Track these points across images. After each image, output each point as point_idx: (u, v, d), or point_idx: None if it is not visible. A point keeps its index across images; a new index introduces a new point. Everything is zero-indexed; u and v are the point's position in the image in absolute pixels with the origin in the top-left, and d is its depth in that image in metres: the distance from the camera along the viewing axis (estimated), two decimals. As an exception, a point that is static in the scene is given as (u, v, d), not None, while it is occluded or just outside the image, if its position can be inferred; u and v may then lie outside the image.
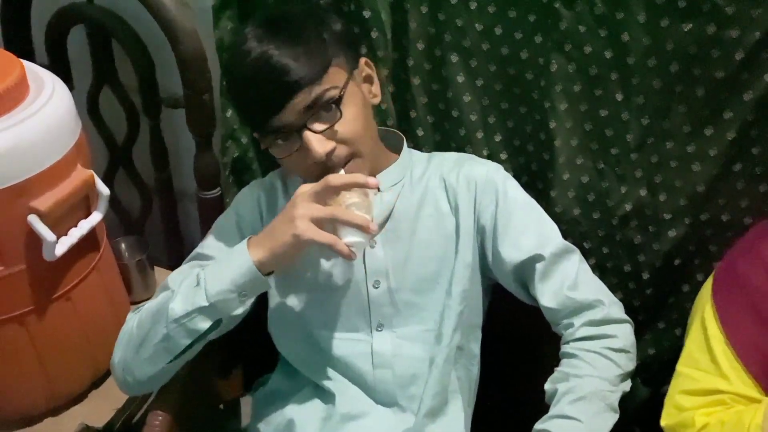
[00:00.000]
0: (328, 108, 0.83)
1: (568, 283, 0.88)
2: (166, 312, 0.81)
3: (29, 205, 0.88)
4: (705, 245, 1.02)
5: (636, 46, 0.91)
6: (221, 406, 1.15)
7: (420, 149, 1.06)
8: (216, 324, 0.82)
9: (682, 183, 0.98)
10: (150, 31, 1.19)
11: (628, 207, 1.03)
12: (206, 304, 0.80)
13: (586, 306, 0.87)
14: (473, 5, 0.96)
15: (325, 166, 0.84)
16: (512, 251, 0.90)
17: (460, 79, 1.02)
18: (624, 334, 0.87)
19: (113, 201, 1.45)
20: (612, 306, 0.89)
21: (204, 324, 0.81)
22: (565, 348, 0.87)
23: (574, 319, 0.87)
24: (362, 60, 0.91)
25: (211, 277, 0.81)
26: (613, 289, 1.08)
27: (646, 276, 1.07)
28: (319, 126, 0.83)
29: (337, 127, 0.83)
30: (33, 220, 0.88)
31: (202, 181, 1.23)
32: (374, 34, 1.01)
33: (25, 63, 0.94)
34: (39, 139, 0.88)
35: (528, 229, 0.92)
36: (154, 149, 1.33)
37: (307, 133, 0.82)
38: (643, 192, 1.01)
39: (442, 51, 1.01)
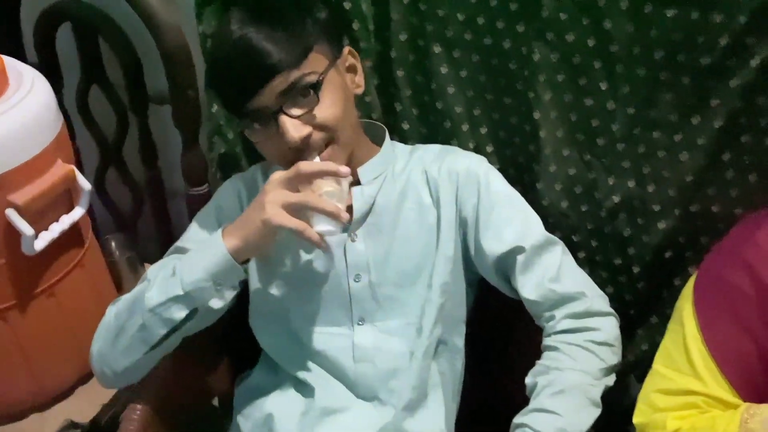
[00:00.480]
0: (306, 93, 0.82)
1: (550, 275, 0.87)
2: (142, 301, 0.81)
3: (6, 199, 0.88)
4: (696, 237, 1.00)
5: (619, 33, 0.89)
6: (215, 401, 1.14)
7: (406, 142, 1.05)
8: (192, 314, 0.82)
9: (670, 173, 0.96)
10: (135, 28, 1.20)
11: (616, 199, 1.01)
12: (181, 293, 0.80)
13: (568, 298, 0.86)
14: (455, -6, 0.95)
15: (301, 152, 0.83)
16: (494, 243, 0.89)
17: (444, 70, 1.01)
18: (607, 326, 0.85)
19: (105, 198, 1.45)
20: (595, 298, 0.87)
21: (180, 313, 0.81)
22: (546, 341, 0.85)
23: (556, 312, 0.85)
24: (346, 49, 0.90)
25: (187, 267, 0.81)
26: (603, 283, 1.07)
27: (636, 269, 1.05)
28: (295, 111, 0.83)
29: (314, 112, 0.83)
30: (10, 213, 0.88)
31: (190, 178, 1.23)
32: (356, 26, 1.00)
33: (6, 59, 0.95)
34: (17, 133, 0.88)
35: (510, 222, 0.90)
36: (143, 146, 1.33)
37: (283, 117, 0.82)
38: (631, 183, 0.99)
39: (425, 42, 1.00)
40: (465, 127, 1.05)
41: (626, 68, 0.91)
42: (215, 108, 1.11)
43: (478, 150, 1.05)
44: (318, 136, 0.84)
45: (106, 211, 1.47)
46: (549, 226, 0.95)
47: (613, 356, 0.84)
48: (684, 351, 0.78)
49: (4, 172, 0.87)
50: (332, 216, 0.77)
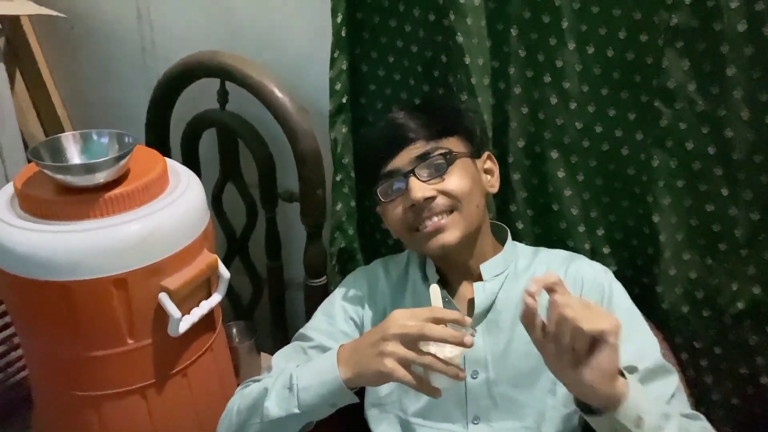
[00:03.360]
0: (439, 168, 0.91)
1: (665, 400, 0.84)
2: (261, 409, 0.85)
3: (161, 284, 0.97)
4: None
5: (741, 142, 0.91)
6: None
7: (520, 242, 1.08)
8: (308, 425, 0.86)
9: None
10: (272, 133, 1.32)
11: (740, 305, 0.99)
12: (298, 411, 0.82)
13: (692, 416, 0.82)
14: (573, 105, 1.00)
15: (421, 214, 0.90)
16: None
17: (561, 174, 1.05)
18: None
19: (227, 287, 1.55)
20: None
21: (296, 427, 0.85)
22: None
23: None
24: (486, 153, 0.99)
25: (303, 385, 0.82)
26: (729, 394, 1.03)
27: (765, 380, 1.01)
28: (424, 175, 0.91)
29: (443, 180, 0.91)
30: (163, 297, 0.97)
31: (310, 270, 1.31)
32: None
33: (168, 161, 1.07)
34: (174, 225, 0.98)
35: (628, 339, 0.88)
36: (268, 239, 1.43)
37: (412, 177, 0.90)
38: (756, 290, 0.98)
39: (541, 148, 1.05)
40: (581, 229, 1.07)
41: (748, 175, 0.92)
42: (339, 206, 1.20)
43: (594, 251, 1.07)
44: (442, 201, 0.90)
45: (227, 299, 1.57)
46: (669, 331, 0.94)
47: None
48: None
49: (161, 259, 0.96)
50: (452, 377, 0.76)
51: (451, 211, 0.91)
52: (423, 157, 0.91)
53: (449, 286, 0.98)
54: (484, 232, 0.98)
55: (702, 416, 0.83)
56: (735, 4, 0.86)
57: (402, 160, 0.92)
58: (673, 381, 0.86)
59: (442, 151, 0.91)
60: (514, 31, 1.00)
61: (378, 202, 0.96)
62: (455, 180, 0.91)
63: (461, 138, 0.95)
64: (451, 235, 0.91)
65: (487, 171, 0.99)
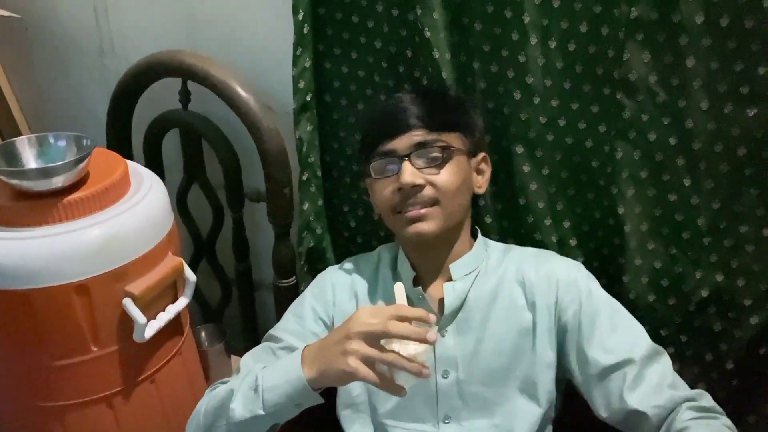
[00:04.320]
0: (435, 159, 0.92)
1: (668, 382, 0.86)
2: (227, 411, 0.84)
3: (125, 290, 0.95)
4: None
5: (701, 132, 0.93)
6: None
7: (488, 236, 1.08)
8: (275, 426, 0.85)
9: (760, 268, 0.96)
10: (236, 133, 1.31)
11: (704, 293, 1.01)
12: (263, 413, 0.81)
13: (692, 397, 0.84)
14: (536, 99, 1.01)
15: (406, 200, 0.92)
16: (600, 354, 0.88)
17: (526, 168, 1.06)
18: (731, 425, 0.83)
19: (195, 290, 1.53)
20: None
21: (262, 428, 0.84)
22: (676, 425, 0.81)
23: (679, 409, 0.83)
24: (482, 154, 1.00)
25: (268, 386, 0.82)
26: (695, 379, 1.05)
27: (730, 366, 1.03)
28: (419, 163, 0.92)
29: (435, 173, 0.92)
30: (127, 303, 0.95)
31: (279, 270, 1.29)
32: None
33: (129, 163, 1.05)
34: (137, 229, 0.96)
35: (615, 331, 0.90)
36: (236, 241, 1.41)
37: (407, 162, 0.92)
38: (719, 277, 0.99)
39: (507, 143, 1.06)
40: (548, 222, 1.08)
41: (709, 164, 0.94)
42: (306, 205, 1.19)
43: (561, 243, 1.08)
44: (429, 191, 0.91)
45: (195, 302, 1.54)
46: (637, 320, 0.95)
47: None
48: None
49: (124, 264, 0.94)
50: (416, 375, 0.75)
51: (434, 203, 0.92)
52: (422, 146, 0.92)
53: (424, 285, 0.98)
54: (462, 230, 0.98)
55: (705, 393, 0.86)
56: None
57: (401, 142, 0.93)
58: (667, 361, 0.89)
59: (442, 144, 0.93)
60: (478, 26, 1.01)
61: (368, 176, 0.97)
62: (447, 176, 0.92)
63: (462, 135, 0.96)
64: (429, 226, 0.92)
65: (479, 171, 1.00)
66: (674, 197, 0.98)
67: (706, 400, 0.85)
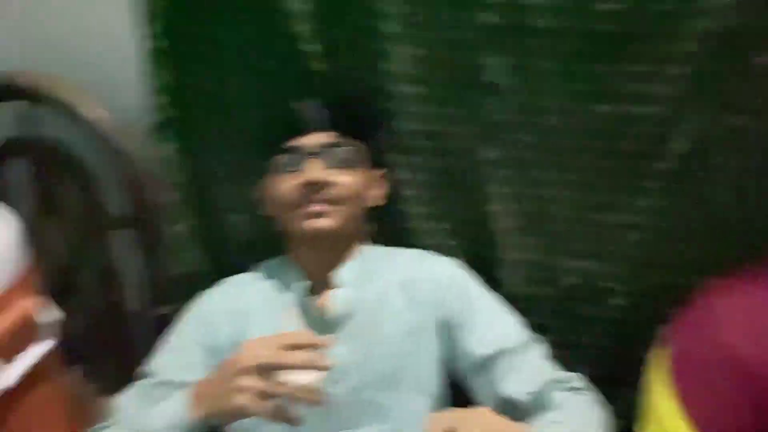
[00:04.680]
0: (345, 160, 0.94)
1: (541, 368, 0.90)
2: None
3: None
4: (655, 311, 1.05)
5: (560, 128, 0.98)
6: None
7: (372, 244, 1.08)
8: None
9: (622, 252, 1.03)
10: (92, 157, 1.22)
11: (574, 279, 1.06)
12: None
13: (566, 378, 0.89)
14: (412, 108, 1.02)
15: (306, 197, 0.92)
16: (478, 346, 0.92)
17: (404, 175, 1.07)
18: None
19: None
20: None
21: None
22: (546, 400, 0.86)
23: (554, 389, 0.87)
24: (382, 171, 1.03)
25: None
26: (573, 362, 1.10)
27: (603, 345, 1.09)
28: (328, 161, 0.93)
29: (340, 175, 0.93)
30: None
31: (153, 298, 1.22)
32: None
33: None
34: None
35: (492, 324, 0.94)
36: (102, 271, 1.31)
37: (315, 159, 0.93)
38: (588, 264, 1.06)
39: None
40: (426, 226, 1.10)
41: (572, 158, 0.99)
42: (178, 227, 1.13)
43: (441, 245, 1.10)
44: (333, 190, 0.92)
45: (63, 342, 1.41)
46: (518, 313, 0.99)
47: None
48: None
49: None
50: (313, 404, 0.74)
51: (337, 203, 0.92)
52: (334, 146, 0.94)
53: (315, 294, 0.97)
54: (355, 239, 0.99)
55: (578, 375, 0.91)
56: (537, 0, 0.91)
57: (310, 140, 0.94)
58: (541, 349, 0.94)
59: (351, 150, 0.95)
60: (355, 38, 1.01)
61: (268, 171, 0.97)
62: (350, 181, 0.94)
63: (369, 146, 0.98)
64: (327, 222, 0.92)
65: (374, 187, 1.01)
66: (543, 191, 1.03)
67: (577, 381, 0.90)
